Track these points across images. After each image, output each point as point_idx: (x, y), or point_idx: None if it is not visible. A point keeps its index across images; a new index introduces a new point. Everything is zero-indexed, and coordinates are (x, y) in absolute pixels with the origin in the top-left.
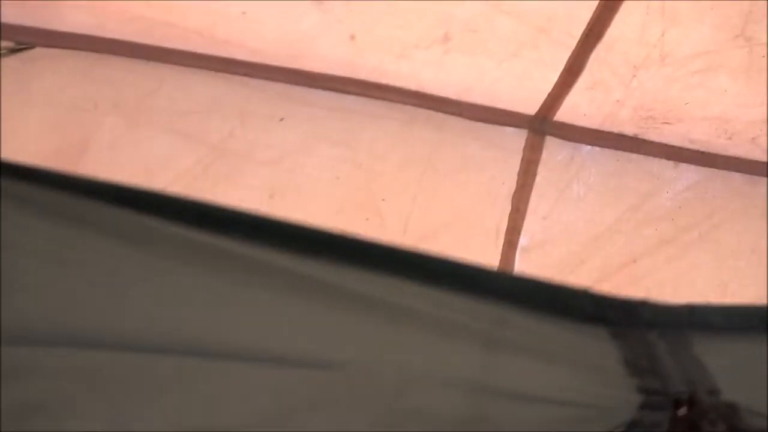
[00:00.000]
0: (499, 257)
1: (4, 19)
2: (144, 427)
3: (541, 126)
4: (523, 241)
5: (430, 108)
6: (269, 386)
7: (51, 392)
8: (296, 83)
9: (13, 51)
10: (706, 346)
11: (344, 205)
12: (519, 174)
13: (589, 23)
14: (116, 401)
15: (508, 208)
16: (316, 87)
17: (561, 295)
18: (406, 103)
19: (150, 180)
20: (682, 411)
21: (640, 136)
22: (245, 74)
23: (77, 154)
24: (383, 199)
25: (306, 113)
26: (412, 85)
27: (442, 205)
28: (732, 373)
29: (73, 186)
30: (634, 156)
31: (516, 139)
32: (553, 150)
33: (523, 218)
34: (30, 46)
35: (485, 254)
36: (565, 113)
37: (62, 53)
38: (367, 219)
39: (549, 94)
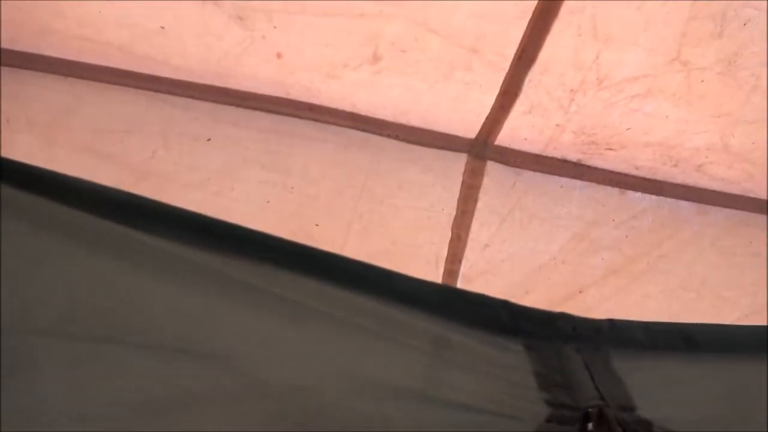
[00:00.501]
0: None
1: None
2: (33, 407)
3: (482, 150)
4: (464, 269)
5: (364, 130)
6: (162, 375)
7: None
8: (224, 102)
9: None
10: (627, 362)
11: (275, 230)
12: (459, 200)
13: (520, 44)
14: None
15: (449, 236)
16: (245, 107)
17: (478, 306)
18: (339, 125)
19: None
20: (590, 426)
21: (583, 162)
22: (169, 92)
23: None
24: (316, 225)
25: (234, 134)
26: (345, 105)
27: (379, 232)
28: (651, 390)
29: None
30: (578, 182)
31: (455, 163)
32: (495, 176)
33: (464, 246)
34: None
35: None
36: (505, 137)
37: None
38: None
39: (487, 118)
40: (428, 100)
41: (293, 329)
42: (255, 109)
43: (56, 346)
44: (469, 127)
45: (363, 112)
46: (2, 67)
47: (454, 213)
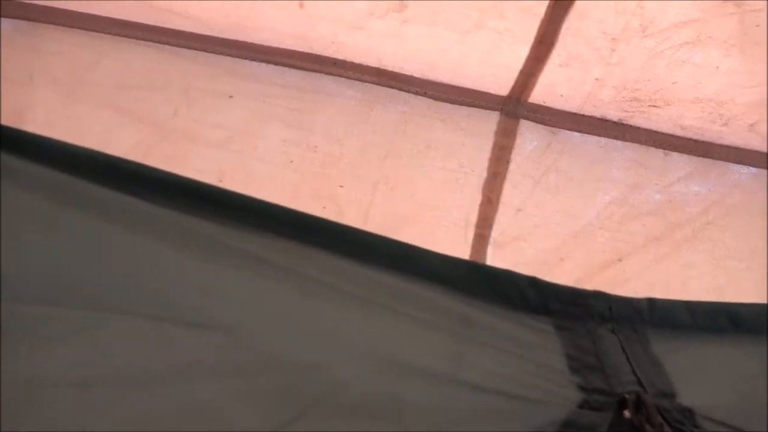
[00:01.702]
0: (469, 252)
1: None
2: (40, 374)
3: (515, 108)
4: (495, 234)
5: (390, 86)
6: (168, 346)
7: None
8: (245, 57)
9: None
10: (667, 344)
11: (299, 191)
12: (490, 161)
13: None
14: (11, 349)
15: (479, 199)
16: (266, 61)
17: (505, 283)
18: (364, 81)
19: None
20: (627, 413)
21: (625, 121)
22: (190, 47)
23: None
24: (341, 186)
25: (256, 90)
26: (370, 60)
27: (406, 194)
28: (694, 375)
29: None
30: (619, 143)
31: (487, 122)
32: (528, 135)
33: (495, 210)
34: None
35: (454, 248)
36: (540, 94)
37: None
38: (324, 207)
39: (521, 72)
40: (458, 53)
41: (307, 304)
42: (277, 64)
43: (60, 314)
44: (502, 83)
45: (389, 67)
46: (24, 22)
47: (484, 175)
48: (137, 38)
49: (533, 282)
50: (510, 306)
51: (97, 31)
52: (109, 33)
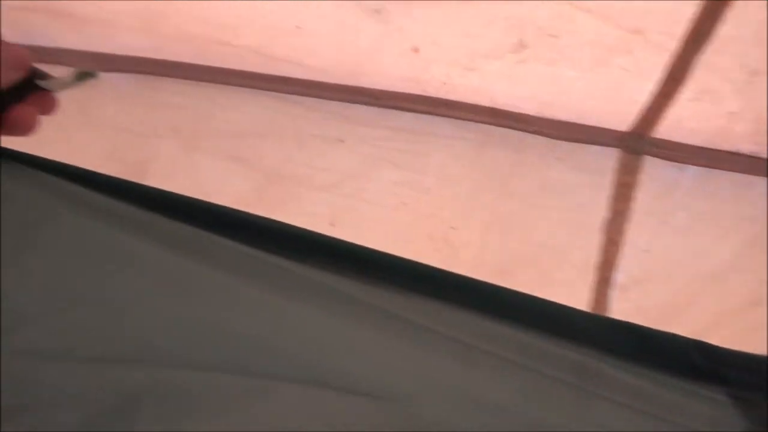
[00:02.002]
0: (590, 296)
1: (63, 45)
2: None
3: (638, 144)
4: (619, 277)
5: (505, 126)
6: (323, 411)
7: (90, 410)
8: (356, 102)
9: (77, 79)
10: None
11: (411, 233)
12: (612, 200)
13: (695, 20)
14: (164, 419)
15: (601, 240)
16: (378, 105)
17: (665, 345)
18: (477, 121)
19: None
20: None
21: (759, 155)
22: (302, 93)
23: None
24: (453, 228)
25: (367, 134)
26: (484, 100)
27: (521, 236)
28: None
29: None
30: (755, 179)
31: (607, 159)
32: (653, 172)
33: (618, 251)
34: (92, 74)
35: (573, 293)
36: (665, 129)
37: (122, 78)
38: (436, 249)
39: (646, 107)
40: (578, 91)
41: (455, 368)
42: (388, 107)
43: (209, 380)
44: (623, 119)
45: (503, 107)
46: (144, 76)
47: (606, 214)
48: (252, 87)
49: (700, 345)
50: (671, 371)
51: (213, 82)
52: (225, 83)
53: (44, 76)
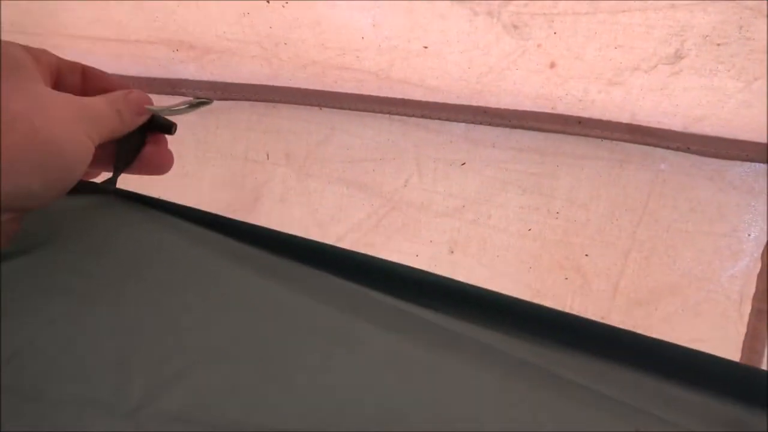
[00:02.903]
0: (744, 331)
1: (183, 76)
2: None
3: None
4: None
5: (645, 143)
6: None
7: None
8: (480, 122)
9: (192, 107)
10: None
11: (538, 261)
12: None
13: None
14: None
15: (758, 267)
16: (503, 125)
17: None
18: (615, 139)
19: (322, 234)
20: None
21: None
22: (422, 116)
23: (249, 208)
24: (586, 255)
25: (491, 156)
26: (622, 117)
27: (664, 263)
28: None
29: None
30: None
31: (765, 178)
32: None
33: None
34: (208, 101)
35: (724, 326)
36: None
37: (237, 105)
38: (566, 278)
39: None
40: (735, 102)
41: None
42: (516, 127)
43: None
44: None
45: (644, 123)
46: (261, 103)
47: (765, 239)
48: (370, 111)
49: None
50: None
51: (330, 107)
52: (342, 107)
53: (162, 110)
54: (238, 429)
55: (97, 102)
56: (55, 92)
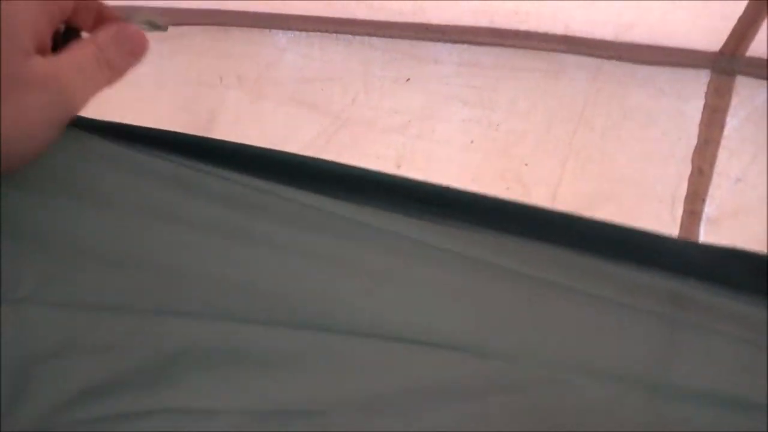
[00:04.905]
0: (678, 231)
1: (137, 2)
2: (268, 404)
3: (729, 64)
4: (709, 210)
5: (579, 53)
6: (394, 366)
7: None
8: (423, 38)
9: (149, 26)
10: None
11: (481, 172)
12: (701, 126)
13: None
14: (230, 376)
15: (688, 170)
16: (445, 41)
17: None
18: (550, 50)
19: None
20: None
21: None
22: (368, 34)
23: (205, 130)
24: (526, 164)
25: (434, 71)
26: (557, 28)
27: (600, 169)
28: None
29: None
30: None
31: (694, 83)
32: (747, 93)
33: (708, 182)
34: (163, 28)
35: (659, 228)
36: (760, 46)
37: (189, 30)
38: (507, 188)
39: (737, 22)
40: (661, 10)
41: (547, 314)
42: (456, 42)
43: (270, 334)
44: (711, 39)
45: (578, 33)
46: (213, 27)
47: (694, 142)
48: (316, 30)
49: None
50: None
51: (279, 29)
52: (289, 29)
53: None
54: (136, 306)
55: (79, 60)
56: (28, 69)
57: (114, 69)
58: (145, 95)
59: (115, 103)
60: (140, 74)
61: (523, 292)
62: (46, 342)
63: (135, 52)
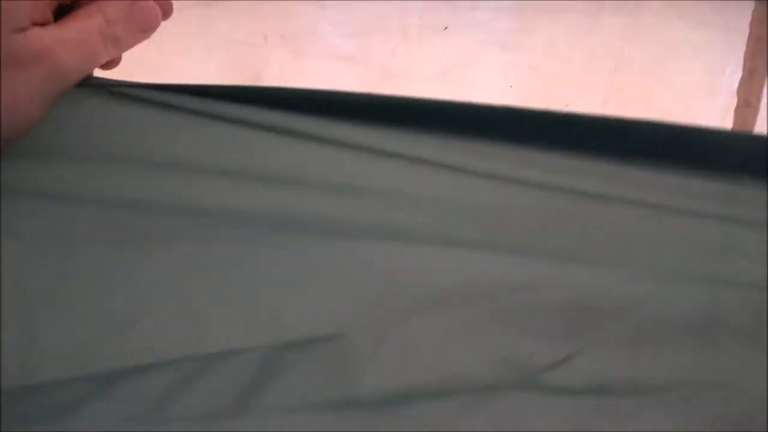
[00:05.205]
0: None
1: None
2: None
3: None
4: None
5: None
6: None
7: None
8: None
9: None
10: None
11: None
12: (746, 57)
13: None
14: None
15: (734, 102)
16: None
17: None
18: None
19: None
20: None
21: None
22: None
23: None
24: (567, 105)
25: (471, 19)
26: None
27: (643, 107)
28: None
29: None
30: None
31: (737, 13)
32: None
33: (755, 114)
34: None
35: None
36: None
37: None
38: None
39: None
40: None
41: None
42: None
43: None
44: None
45: None
46: None
47: (739, 74)
48: None
49: None
50: None
51: None
52: None
53: None
54: None
55: (82, 33)
56: (19, 45)
57: (119, 45)
58: (194, 57)
59: (163, 67)
60: (190, 37)
61: (560, 203)
62: None
63: (145, 29)
